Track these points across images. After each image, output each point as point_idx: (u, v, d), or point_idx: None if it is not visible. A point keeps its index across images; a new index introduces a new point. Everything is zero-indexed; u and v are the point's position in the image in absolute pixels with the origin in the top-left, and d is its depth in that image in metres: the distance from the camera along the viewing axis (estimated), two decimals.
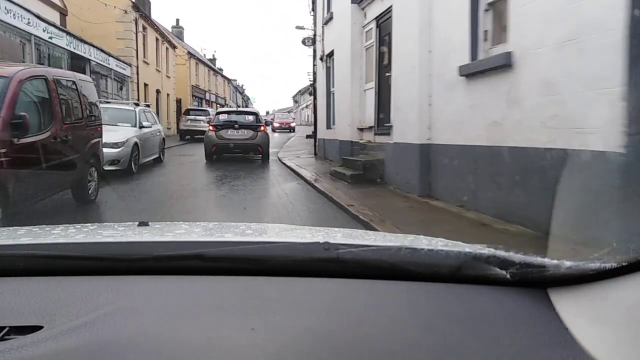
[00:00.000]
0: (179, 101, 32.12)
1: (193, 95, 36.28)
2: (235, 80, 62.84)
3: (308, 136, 24.22)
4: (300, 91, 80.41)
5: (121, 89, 20.73)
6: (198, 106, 33.19)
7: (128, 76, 21.21)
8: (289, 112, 62.20)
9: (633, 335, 0.66)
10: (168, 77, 28.99)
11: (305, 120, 52.01)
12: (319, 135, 14.73)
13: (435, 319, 0.81)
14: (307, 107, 69.36)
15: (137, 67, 21.96)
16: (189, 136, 23.93)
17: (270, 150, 14.27)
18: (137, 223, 1.34)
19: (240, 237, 1.29)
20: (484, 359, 0.70)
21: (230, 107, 40.06)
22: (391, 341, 0.73)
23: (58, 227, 1.34)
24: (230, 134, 13.13)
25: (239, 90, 64.50)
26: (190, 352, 0.70)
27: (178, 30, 39.74)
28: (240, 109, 17.59)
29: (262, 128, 13.69)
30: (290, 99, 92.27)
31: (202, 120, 23.20)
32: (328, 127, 13.58)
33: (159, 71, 26.59)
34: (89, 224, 1.41)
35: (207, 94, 41.04)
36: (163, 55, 27.83)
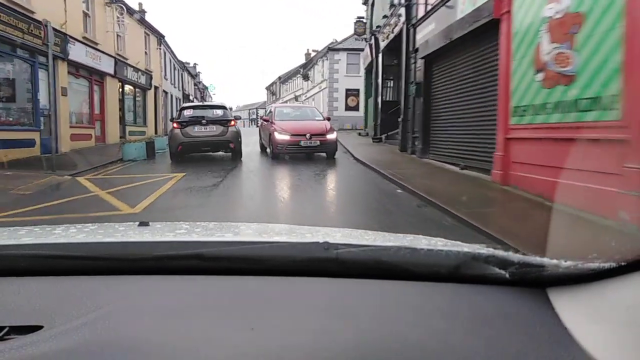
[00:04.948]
0: None
1: (26, 46, 12.41)
2: (188, 63, 39.09)
3: None
4: (280, 78, 56.09)
5: None
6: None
7: None
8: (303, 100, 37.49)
9: (632, 335, 0.66)
10: None
11: None
12: None
13: (435, 319, 0.81)
14: (295, 99, 45.23)
15: None
16: None
17: None
18: (137, 223, 1.34)
19: (240, 237, 1.29)
20: (484, 358, 0.70)
21: (171, 95, 29.11)
22: (391, 341, 0.73)
23: (59, 227, 1.33)
24: (197, 130, 11.88)
25: (189, 71, 40.51)
26: (190, 352, 0.70)
27: None
28: (207, 103, 14.23)
29: (232, 122, 12.33)
30: (263, 91, 68.65)
31: None
32: None
33: None
34: (90, 224, 1.40)
35: (96, 57, 16.90)
36: None
